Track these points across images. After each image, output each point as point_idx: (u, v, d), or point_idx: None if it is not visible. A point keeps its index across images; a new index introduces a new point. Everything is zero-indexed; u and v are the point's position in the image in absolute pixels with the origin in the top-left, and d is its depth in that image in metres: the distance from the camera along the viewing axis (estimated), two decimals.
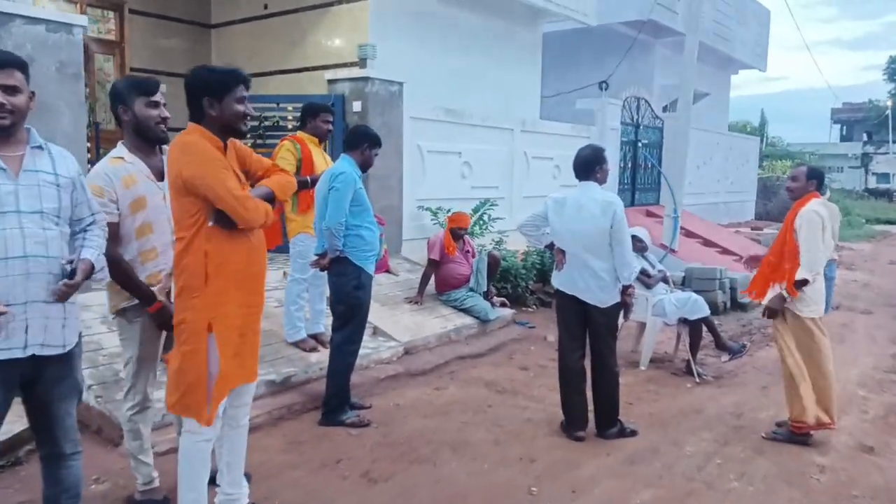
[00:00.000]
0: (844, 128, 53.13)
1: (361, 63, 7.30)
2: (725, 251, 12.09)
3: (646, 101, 13.19)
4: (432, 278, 6.69)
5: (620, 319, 4.53)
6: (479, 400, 4.96)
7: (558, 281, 4.38)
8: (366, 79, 7.16)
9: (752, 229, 15.52)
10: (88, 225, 2.46)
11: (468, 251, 6.80)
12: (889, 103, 42.47)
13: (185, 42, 9.58)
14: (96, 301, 4.73)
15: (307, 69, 8.21)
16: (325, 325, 5.30)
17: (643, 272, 6.26)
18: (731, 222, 16.87)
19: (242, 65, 8.85)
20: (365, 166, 4.39)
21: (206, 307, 2.58)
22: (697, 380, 5.82)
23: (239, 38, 9.48)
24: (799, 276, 4.12)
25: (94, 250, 2.40)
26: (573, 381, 4.35)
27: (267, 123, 7.44)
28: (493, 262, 6.78)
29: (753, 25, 18.75)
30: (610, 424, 4.39)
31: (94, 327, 4.56)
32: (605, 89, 14.50)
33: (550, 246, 4.47)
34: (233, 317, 2.62)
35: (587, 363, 4.41)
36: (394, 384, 5.13)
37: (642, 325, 6.40)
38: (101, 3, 8.66)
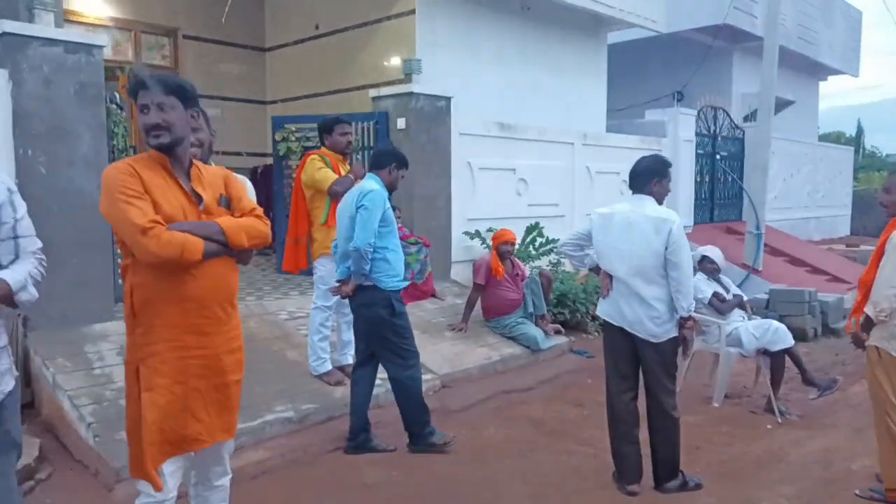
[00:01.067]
0: None
1: (407, 79, 6.97)
2: (816, 270, 11.05)
3: (723, 110, 12.34)
4: (478, 304, 6.20)
5: (680, 357, 3.88)
6: (522, 442, 4.42)
7: (604, 310, 3.80)
8: (410, 94, 6.81)
9: (847, 246, 14.21)
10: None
11: (517, 274, 6.27)
12: None
13: (239, 66, 9.57)
14: (116, 330, 4.52)
15: (357, 88, 7.96)
16: (352, 355, 4.91)
17: (716, 295, 5.57)
18: (824, 239, 15.57)
19: (294, 86, 8.77)
20: (391, 187, 4.14)
21: (134, 348, 2.24)
22: (779, 419, 5.07)
23: (292, 60, 9.37)
24: (866, 310, 3.42)
25: (11, 272, 2.06)
26: (623, 427, 3.73)
27: (308, 144, 7.19)
28: (546, 283, 6.23)
29: (842, 28, 17.42)
30: (669, 477, 3.75)
31: (109, 358, 4.32)
32: (680, 100, 13.72)
33: (596, 269, 3.91)
34: (166, 362, 2.23)
35: (643, 405, 3.80)
36: None
37: (716, 356, 5.68)
38: (155, 30, 8.73)
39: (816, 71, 17.41)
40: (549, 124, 8.92)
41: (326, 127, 4.87)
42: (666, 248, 3.50)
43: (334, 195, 4.55)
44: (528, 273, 6.38)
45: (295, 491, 3.61)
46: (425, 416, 4.15)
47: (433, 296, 6.63)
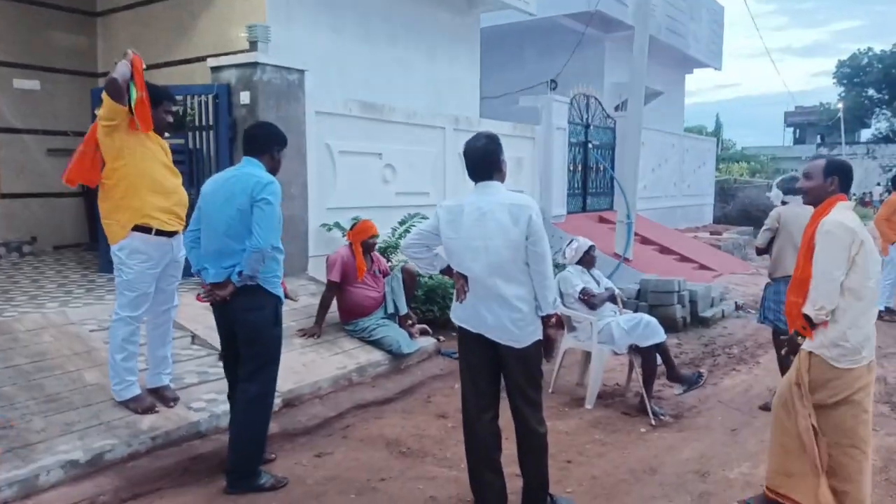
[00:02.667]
0: (797, 131, 53.69)
1: (253, 47, 6.11)
2: (684, 258, 11.19)
3: (596, 99, 12.25)
4: (334, 305, 5.50)
5: (544, 361, 3.36)
6: (372, 470, 3.79)
7: (459, 315, 3.24)
8: (255, 64, 5.96)
9: (711, 234, 14.70)
10: None
11: (379, 270, 5.62)
12: (840, 106, 42.76)
13: (65, 33, 8.25)
14: None
15: (201, 59, 6.94)
16: (169, 375, 4.10)
17: (584, 291, 5.19)
18: (690, 227, 16.07)
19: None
20: (274, 172, 3.54)
21: None
22: (653, 422, 4.76)
23: (127, 26, 8.16)
24: (805, 310, 3.03)
25: None
26: (482, 452, 3.20)
27: None
28: (409, 279, 5.60)
29: (707, 22, 18.05)
30: (539, 501, 3.27)
31: None
32: (555, 88, 13.55)
33: (449, 271, 3.32)
34: None
35: (504, 422, 3.28)
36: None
37: (589, 354, 5.32)
38: None
39: (683, 63, 17.94)
40: (420, 107, 8.32)
41: (153, 98, 3.84)
42: (527, 238, 3.02)
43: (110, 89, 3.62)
44: (390, 268, 5.75)
45: None
46: (262, 452, 3.48)
47: (285, 296, 5.85)
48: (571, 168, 11.51)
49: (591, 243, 5.40)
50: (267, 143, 3.52)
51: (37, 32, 8.00)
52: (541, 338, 3.15)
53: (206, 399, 4.14)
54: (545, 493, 3.29)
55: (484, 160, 3.16)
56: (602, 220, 12.01)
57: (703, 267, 10.85)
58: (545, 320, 3.14)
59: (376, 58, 8.26)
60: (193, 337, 4.89)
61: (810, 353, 2.99)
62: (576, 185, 11.82)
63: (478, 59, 10.19)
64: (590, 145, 12.03)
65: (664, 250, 11.43)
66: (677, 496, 3.61)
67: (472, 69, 10.07)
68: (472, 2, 9.69)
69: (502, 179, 3.21)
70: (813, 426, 2.96)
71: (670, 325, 7.77)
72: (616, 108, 13.35)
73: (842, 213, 2.96)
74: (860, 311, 2.90)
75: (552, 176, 10.65)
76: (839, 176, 3.06)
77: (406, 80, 8.70)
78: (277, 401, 4.32)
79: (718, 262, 11.45)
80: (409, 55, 8.80)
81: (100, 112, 3.71)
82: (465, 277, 3.15)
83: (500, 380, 3.25)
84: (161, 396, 3.98)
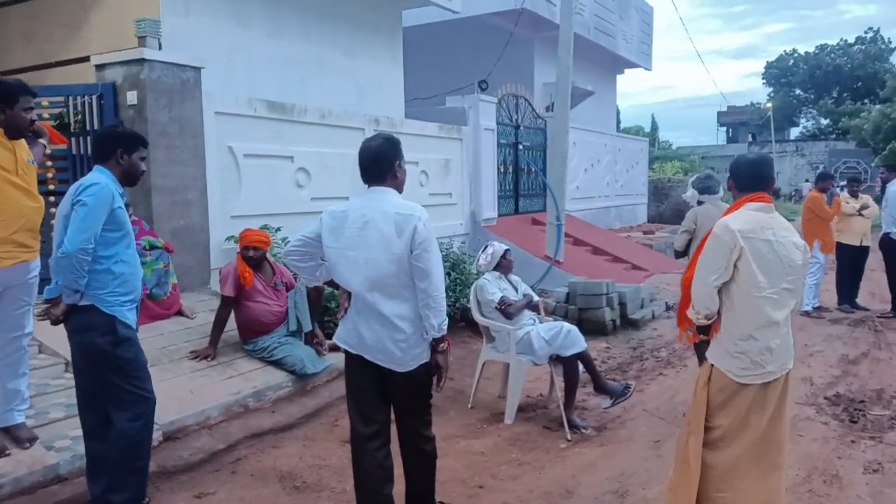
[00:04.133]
0: (730, 130, 55.24)
1: (141, 42, 5.60)
2: (616, 259, 11.09)
3: (525, 99, 12.06)
4: (233, 323, 5.05)
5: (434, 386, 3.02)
6: None
7: (340, 335, 2.92)
8: (142, 61, 5.46)
9: (644, 233, 14.72)
10: None
11: (282, 282, 5.19)
12: (769, 105, 44.11)
13: None
14: None
15: (89, 59, 6.38)
16: (25, 412, 3.59)
17: (502, 301, 4.88)
18: (624, 227, 16.10)
19: (19, 55, 6.89)
20: (129, 178, 3.16)
21: None
22: (569, 437, 4.49)
23: (18, 22, 7.50)
24: (688, 312, 2.82)
25: None
26: (370, 485, 2.87)
27: None
28: (314, 293, 5.18)
29: (637, 21, 18.17)
30: None
31: None
32: (485, 88, 13.32)
33: (334, 283, 2.98)
34: None
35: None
36: None
37: (508, 366, 5.03)
38: None
39: (614, 63, 18.02)
40: (339, 107, 7.91)
41: (7, 95, 3.33)
42: (411, 252, 2.70)
43: None
44: (294, 281, 5.33)
45: None
46: (139, 493, 3.06)
47: (179, 313, 5.38)
48: (502, 170, 11.29)
49: (506, 248, 5.11)
50: (106, 148, 3.10)
51: None
52: (427, 361, 2.83)
53: (72, 436, 3.64)
54: (431, 499, 3.09)
55: (376, 162, 2.85)
56: (535, 222, 11.83)
57: (634, 267, 10.77)
58: (434, 345, 2.81)
59: (289, 54, 7.82)
60: (67, 364, 4.37)
61: (712, 364, 2.74)
62: (507, 187, 11.60)
63: (401, 58, 9.84)
64: (520, 146, 11.83)
65: (596, 251, 11.31)
66: None
67: (395, 68, 9.72)
68: None
69: (398, 186, 2.89)
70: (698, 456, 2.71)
71: (599, 329, 7.61)
72: (547, 109, 13.19)
73: (739, 215, 2.70)
74: (750, 321, 2.64)
75: (481, 178, 10.39)
76: (731, 175, 2.86)
77: (322, 79, 8.29)
78: (156, 434, 3.87)
79: (650, 261, 11.39)
80: (326, 51, 8.39)
81: None
82: (349, 291, 2.83)
83: (388, 405, 2.93)
84: (14, 437, 3.47)
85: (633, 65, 18.66)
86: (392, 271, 2.73)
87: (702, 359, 2.99)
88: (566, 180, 9.96)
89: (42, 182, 5.72)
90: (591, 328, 7.50)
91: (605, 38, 15.89)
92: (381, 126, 8.29)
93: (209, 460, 3.88)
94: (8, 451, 3.37)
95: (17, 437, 3.47)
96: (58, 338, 4.05)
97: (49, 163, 5.73)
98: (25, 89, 3.44)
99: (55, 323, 3.05)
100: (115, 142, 3.13)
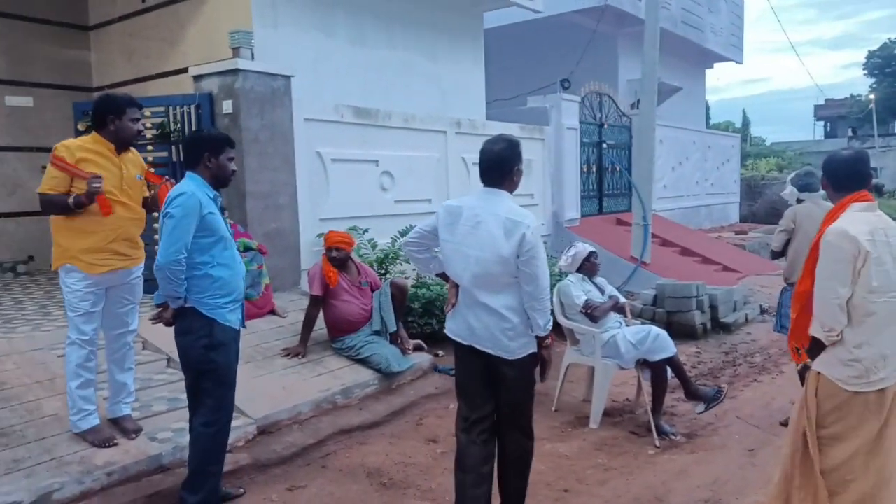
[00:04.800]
0: (828, 125, 52.31)
1: (235, 54, 5.86)
2: (706, 260, 10.69)
3: (609, 97, 11.82)
4: (322, 322, 5.19)
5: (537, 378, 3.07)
6: None
7: (450, 327, 3.07)
8: (237, 71, 5.71)
9: (736, 233, 14.14)
10: None
11: (367, 282, 5.30)
12: (871, 97, 41.45)
13: (57, 47, 8.10)
14: None
15: (187, 70, 6.71)
16: (131, 404, 3.82)
17: (587, 304, 4.80)
18: (714, 226, 15.52)
19: (122, 70, 7.33)
20: (220, 180, 3.26)
21: None
22: (657, 443, 4.37)
23: (118, 40, 7.99)
24: (812, 331, 2.64)
25: None
26: (473, 468, 2.98)
27: None
28: (399, 293, 5.26)
29: (726, 14, 17.48)
30: None
31: None
32: (568, 87, 13.15)
33: (446, 276, 3.12)
34: None
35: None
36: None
37: (593, 369, 4.94)
38: None
39: (702, 57, 17.40)
40: (422, 111, 8.00)
41: (116, 108, 3.54)
42: (518, 257, 2.82)
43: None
44: (380, 281, 5.43)
45: None
46: (212, 497, 3.17)
47: (272, 313, 5.58)
48: (585, 169, 11.10)
49: (591, 250, 5.02)
50: (193, 153, 3.22)
51: (28, 48, 7.87)
52: (534, 351, 2.93)
53: (174, 429, 3.85)
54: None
55: (497, 165, 2.95)
56: (620, 222, 11.57)
57: (726, 269, 10.35)
58: (539, 340, 2.91)
59: (373, 60, 7.97)
60: (169, 360, 4.62)
61: (818, 373, 2.59)
62: (591, 187, 11.40)
63: (482, 60, 9.84)
64: (604, 145, 11.61)
65: (685, 252, 10.95)
66: None
67: (477, 70, 9.73)
68: (475, 1, 9.35)
69: (511, 189, 3.00)
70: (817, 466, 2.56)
71: (689, 333, 7.36)
72: (632, 106, 12.91)
73: (849, 217, 2.54)
74: (866, 328, 2.47)
75: (564, 178, 10.27)
76: (826, 174, 2.69)
77: (408, 84, 8.39)
78: (250, 429, 4.04)
79: (743, 263, 10.92)
80: (409, 56, 8.49)
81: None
82: (458, 285, 2.98)
83: (492, 395, 3.02)
84: (122, 428, 3.70)
85: (722, 58, 17.96)
86: (497, 271, 2.85)
87: (802, 381, 2.81)
88: (653, 179, 9.69)
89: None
90: (681, 332, 7.27)
91: (692, 32, 15.37)
92: (463, 129, 8.34)
93: (300, 455, 4.01)
94: (115, 441, 3.59)
95: (125, 427, 3.70)
96: (160, 335, 4.31)
97: (152, 169, 6.06)
98: (132, 101, 3.65)
99: (167, 325, 3.24)
100: (201, 146, 3.23)
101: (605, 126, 11.66)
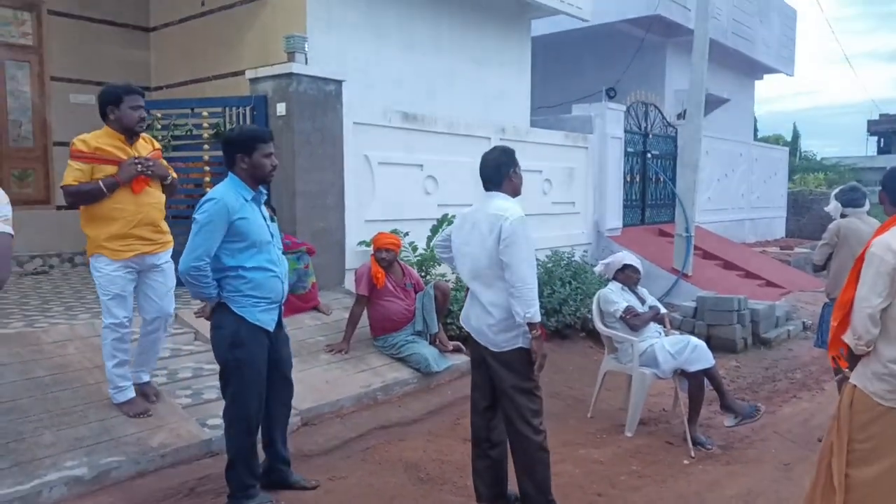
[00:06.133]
0: (882, 140, 50.71)
1: (290, 58, 6.07)
2: (749, 275, 10.57)
3: (655, 106, 11.78)
4: (365, 320, 5.35)
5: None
6: (385, 497, 3.59)
7: (461, 316, 3.48)
8: (290, 75, 5.91)
9: (782, 248, 13.90)
10: None
11: (411, 283, 5.44)
12: None
13: (119, 48, 8.46)
14: None
15: (243, 72, 6.96)
16: (149, 373, 4.09)
17: (628, 310, 4.86)
18: (759, 241, 15.27)
19: (180, 70, 7.64)
20: (257, 178, 3.28)
21: None
22: (692, 454, 4.39)
23: (178, 42, 8.32)
24: (845, 338, 2.67)
25: None
26: (476, 440, 3.43)
27: (177, 132, 6.23)
28: (441, 296, 5.39)
29: (778, 26, 17.20)
30: None
31: None
32: (614, 96, 13.14)
33: None
34: None
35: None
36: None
37: (630, 378, 4.99)
38: (12, 2, 7.59)
39: (752, 69, 17.15)
40: (466, 117, 8.13)
41: (113, 97, 3.70)
42: (498, 247, 3.09)
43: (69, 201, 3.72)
44: (423, 283, 5.56)
45: None
46: (246, 477, 3.29)
47: (316, 309, 5.75)
48: (629, 179, 11.07)
49: (627, 262, 5.07)
50: (227, 156, 3.29)
51: (93, 48, 8.22)
52: (522, 346, 3.13)
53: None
54: (544, 500, 3.23)
55: (494, 171, 3.28)
56: (662, 233, 11.50)
57: (769, 284, 10.21)
58: (529, 330, 3.09)
59: (421, 66, 8.12)
60: (195, 334, 4.84)
61: (854, 386, 2.62)
62: (634, 197, 11.36)
63: (528, 68, 9.92)
64: (649, 155, 11.57)
65: (728, 266, 10.84)
66: None
67: (523, 78, 9.81)
68: (523, 9, 9.43)
69: (512, 190, 3.30)
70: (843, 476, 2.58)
71: (729, 346, 7.31)
72: (678, 116, 12.83)
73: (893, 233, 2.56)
74: None
75: (606, 187, 10.27)
76: (884, 188, 2.72)
77: (453, 90, 8.53)
78: (295, 419, 4.20)
79: (787, 278, 10.76)
80: (455, 63, 8.62)
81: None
82: None
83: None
84: (143, 393, 3.98)
85: (772, 70, 17.67)
86: (484, 263, 3.15)
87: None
88: (696, 190, 9.64)
89: (198, 185, 6.36)
90: (720, 345, 7.24)
91: (742, 43, 15.17)
92: (507, 135, 8.43)
93: (341, 447, 4.16)
94: (150, 413, 3.83)
95: (145, 393, 4.00)
96: (208, 327, 4.51)
97: (207, 168, 6.34)
98: (129, 89, 3.77)
99: (207, 319, 3.45)
100: (232, 148, 3.26)
101: (650, 136, 11.62)
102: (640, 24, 12.72)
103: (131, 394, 3.85)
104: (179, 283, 5.14)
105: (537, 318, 3.05)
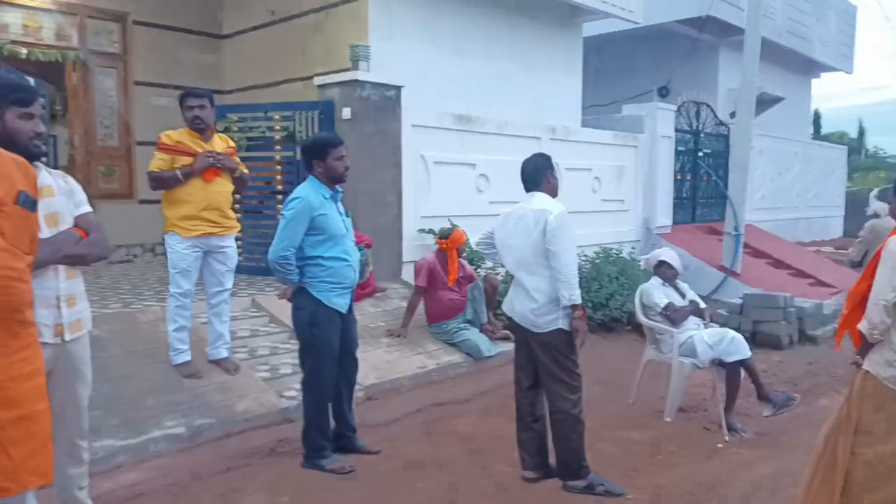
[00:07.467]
0: None
1: (355, 66, 6.55)
2: (800, 273, 10.60)
3: (707, 105, 11.88)
4: (421, 308, 5.79)
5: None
6: (441, 463, 4.01)
7: (504, 304, 3.87)
8: (356, 82, 6.40)
9: (836, 248, 13.78)
10: None
11: (463, 276, 5.86)
12: None
13: (196, 54, 9.14)
14: None
15: (310, 77, 7.49)
16: (228, 349, 4.60)
17: (668, 307, 5.15)
18: (814, 240, 15.14)
19: (251, 75, 8.28)
20: (332, 179, 3.75)
21: None
22: (727, 437, 4.67)
23: (249, 48, 8.94)
24: (859, 326, 2.94)
25: None
26: (520, 414, 3.83)
27: (252, 134, 6.80)
28: (490, 288, 5.81)
29: (835, 23, 16.92)
30: (572, 475, 3.68)
31: None
32: (665, 95, 13.28)
33: None
34: None
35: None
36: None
37: (670, 367, 5.28)
38: (102, 14, 8.30)
39: (808, 67, 16.94)
40: (516, 118, 8.50)
41: (180, 101, 4.45)
42: (544, 237, 3.48)
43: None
44: (476, 276, 5.97)
45: None
46: (320, 439, 3.77)
47: (373, 294, 6.21)
48: (679, 177, 11.23)
49: (662, 258, 5.35)
50: (304, 161, 3.80)
51: (172, 54, 8.90)
52: (562, 327, 3.51)
53: (298, 388, 4.52)
54: (578, 467, 3.64)
55: (533, 173, 3.72)
56: (712, 231, 11.60)
57: (820, 283, 10.25)
58: (572, 312, 3.49)
59: (473, 70, 8.50)
60: (291, 332, 5.33)
61: (867, 371, 2.89)
62: (684, 195, 11.51)
63: (579, 69, 10.20)
64: (700, 153, 11.69)
65: (778, 264, 10.89)
66: None
67: (574, 79, 10.10)
68: (574, 13, 9.73)
69: (550, 190, 3.72)
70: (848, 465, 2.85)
71: (773, 343, 7.48)
72: (731, 115, 12.86)
73: None
74: None
75: (656, 185, 10.47)
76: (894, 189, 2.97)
77: (504, 92, 8.88)
78: (360, 394, 4.67)
79: (839, 278, 10.73)
80: (506, 66, 8.97)
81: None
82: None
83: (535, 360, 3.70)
84: (223, 367, 4.52)
85: (830, 68, 17.40)
86: (530, 253, 3.54)
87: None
88: (747, 189, 9.76)
89: (270, 183, 6.92)
90: (765, 342, 7.44)
91: (798, 42, 15.04)
92: (557, 134, 8.76)
93: (401, 419, 4.61)
94: (200, 375, 4.37)
95: (225, 367, 4.52)
96: (284, 311, 5.01)
97: (278, 167, 6.89)
98: (186, 94, 4.41)
99: (289, 301, 3.88)
100: (307, 154, 3.76)
101: (702, 135, 11.74)
102: (692, 25, 12.82)
103: (187, 357, 4.43)
104: (256, 272, 5.76)
105: (579, 301, 3.46)
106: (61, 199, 2.56)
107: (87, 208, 2.69)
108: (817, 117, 38.82)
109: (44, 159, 2.60)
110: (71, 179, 2.72)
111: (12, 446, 1.95)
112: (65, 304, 2.52)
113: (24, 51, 7.53)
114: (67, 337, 2.53)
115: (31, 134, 2.42)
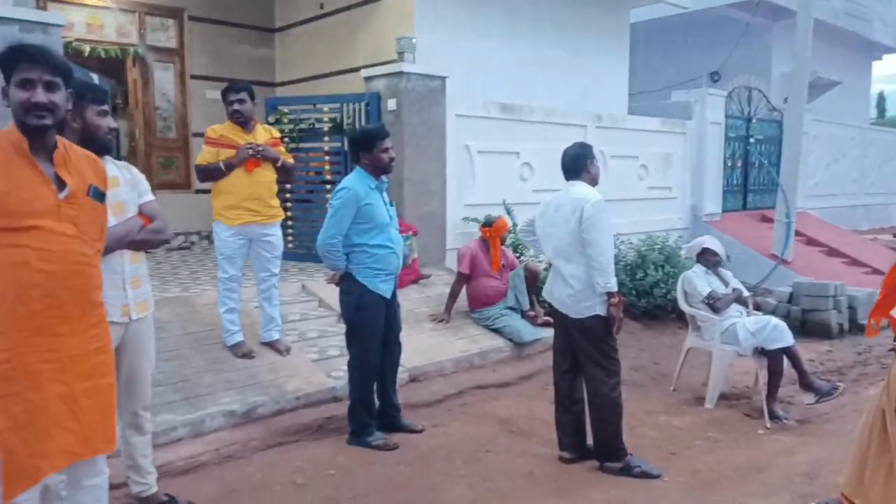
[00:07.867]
0: None
1: (400, 57, 6.69)
2: (854, 262, 10.35)
3: (759, 91, 11.62)
4: (464, 294, 5.93)
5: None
6: (481, 442, 4.16)
7: (544, 290, 4.00)
8: (401, 73, 6.54)
9: (895, 236, 13.35)
10: None
11: (504, 264, 5.97)
12: None
13: (248, 47, 9.43)
14: None
15: (358, 69, 7.66)
16: (278, 330, 4.80)
17: (710, 295, 5.15)
18: (872, 228, 14.67)
19: (301, 68, 8.54)
20: (378, 170, 3.92)
21: None
22: (768, 424, 4.69)
23: (299, 41, 9.18)
24: (893, 312, 2.96)
25: None
26: (559, 397, 3.93)
27: (302, 126, 7.03)
28: (531, 276, 5.90)
29: None
30: (609, 457, 3.78)
31: None
32: (717, 80, 13.04)
33: None
34: (17, 368, 2.02)
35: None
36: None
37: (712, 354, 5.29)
38: (159, 11, 8.65)
39: (869, 49, 16.34)
40: (562, 106, 8.51)
41: (223, 95, 4.67)
42: (580, 225, 3.57)
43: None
44: (517, 263, 6.07)
45: (221, 488, 3.45)
46: (365, 417, 3.97)
47: (417, 280, 6.37)
48: (730, 164, 11.05)
49: (706, 245, 5.34)
50: (351, 153, 4.01)
51: (226, 49, 9.21)
52: (599, 313, 3.59)
53: (345, 369, 4.72)
54: (614, 450, 3.74)
55: (573, 163, 3.82)
56: (765, 218, 11.37)
57: (875, 272, 9.97)
58: (607, 299, 3.57)
59: (520, 59, 8.55)
60: (339, 316, 5.53)
61: None
62: (735, 182, 11.32)
63: (626, 55, 10.12)
64: (751, 140, 11.46)
65: (832, 252, 10.63)
66: (776, 495, 3.60)
67: (621, 66, 10.04)
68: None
69: (590, 179, 3.81)
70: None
71: (823, 332, 7.36)
72: (785, 101, 12.56)
73: None
74: None
75: (705, 172, 10.33)
76: None
77: (550, 80, 8.89)
78: (404, 376, 4.84)
79: None
80: (553, 54, 8.98)
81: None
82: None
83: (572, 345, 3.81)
84: (275, 349, 4.73)
85: (892, 50, 16.75)
86: (567, 240, 3.64)
87: None
88: (800, 175, 9.55)
89: (319, 173, 7.14)
90: (815, 330, 7.34)
91: (857, 23, 14.53)
92: (603, 122, 8.74)
93: (443, 401, 4.77)
94: (253, 355, 4.59)
95: (277, 349, 4.73)
96: (332, 296, 5.23)
97: (326, 157, 7.11)
98: (227, 88, 4.62)
99: (337, 285, 4.11)
100: (354, 147, 3.97)
101: (754, 120, 11.50)
102: (744, 8, 12.54)
103: (240, 338, 4.66)
104: (307, 259, 5.97)
105: (615, 288, 3.55)
106: (126, 189, 2.77)
107: (150, 197, 2.90)
108: (882, 100, 37.25)
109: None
110: (135, 170, 2.94)
111: (84, 415, 2.16)
112: (130, 286, 2.75)
113: (87, 48, 7.92)
114: (134, 316, 2.76)
115: (106, 129, 2.68)
